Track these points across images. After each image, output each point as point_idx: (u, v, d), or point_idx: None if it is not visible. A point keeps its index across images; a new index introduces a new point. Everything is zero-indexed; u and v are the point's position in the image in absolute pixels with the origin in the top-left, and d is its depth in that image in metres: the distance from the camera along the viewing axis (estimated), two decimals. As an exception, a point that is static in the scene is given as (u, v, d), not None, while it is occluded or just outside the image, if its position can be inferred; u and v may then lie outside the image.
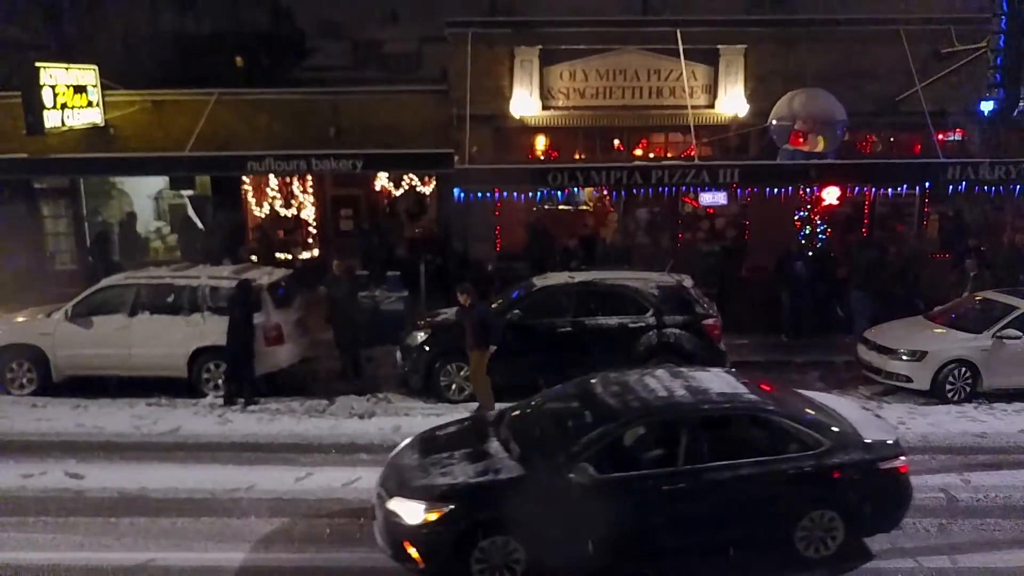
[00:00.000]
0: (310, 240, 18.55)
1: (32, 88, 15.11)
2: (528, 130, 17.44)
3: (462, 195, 15.97)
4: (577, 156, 17.66)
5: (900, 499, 8.00)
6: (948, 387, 12.25)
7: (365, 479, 9.20)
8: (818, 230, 17.58)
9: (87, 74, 16.79)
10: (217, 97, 17.67)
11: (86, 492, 9.30)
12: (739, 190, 16.37)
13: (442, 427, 9.08)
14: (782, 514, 7.73)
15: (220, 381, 12.26)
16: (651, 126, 17.61)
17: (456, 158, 15.73)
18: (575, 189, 16.77)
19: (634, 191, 16.10)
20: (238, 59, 28.42)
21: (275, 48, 32.29)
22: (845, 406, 8.97)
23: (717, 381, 8.41)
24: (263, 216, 18.35)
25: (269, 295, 12.46)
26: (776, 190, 16.09)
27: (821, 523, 7.75)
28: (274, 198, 18.31)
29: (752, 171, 15.67)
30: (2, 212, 17.07)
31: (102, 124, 17.17)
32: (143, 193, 18.38)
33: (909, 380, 12.38)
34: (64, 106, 15.86)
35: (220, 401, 12.08)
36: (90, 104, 16.78)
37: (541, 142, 17.79)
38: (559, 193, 17.16)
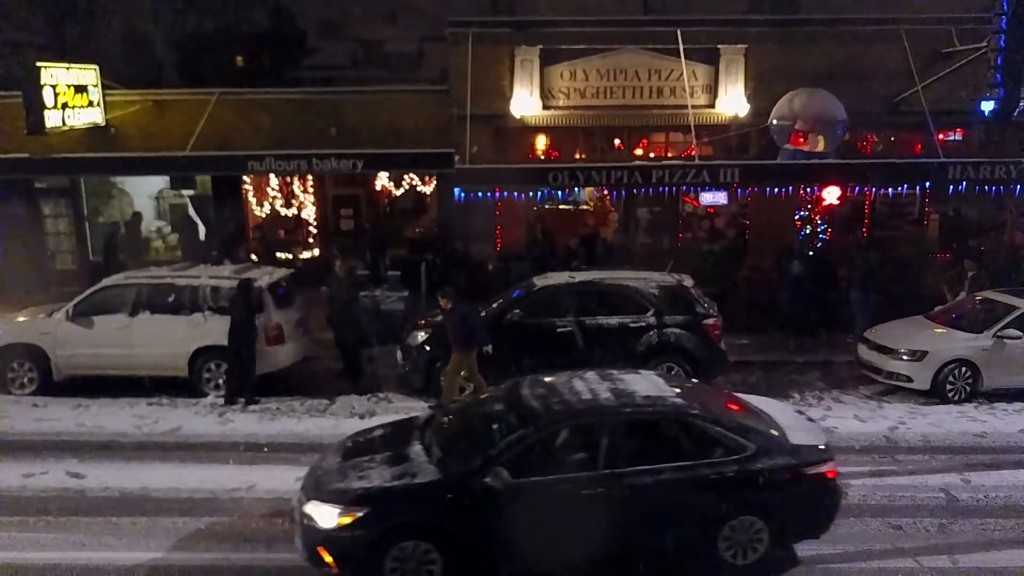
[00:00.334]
0: (311, 240, 18.56)
1: (33, 88, 15.11)
2: (529, 130, 17.45)
3: (462, 195, 15.97)
4: (577, 156, 17.67)
5: (827, 505, 7.81)
6: (948, 387, 12.26)
7: (366, 479, 9.20)
8: (818, 230, 17.58)
9: (88, 74, 16.80)
10: (218, 97, 17.67)
11: (87, 492, 9.31)
12: (739, 190, 16.37)
13: (370, 430, 8.98)
14: (705, 520, 7.55)
15: (221, 381, 12.27)
16: (652, 126, 17.61)
17: (457, 158, 15.73)
18: (576, 189, 16.78)
19: (635, 191, 16.09)
20: (239, 59, 28.47)
21: (276, 48, 32.35)
22: (778, 410, 8.76)
23: (645, 384, 8.24)
24: (264, 216, 18.37)
25: (270, 295, 12.47)
26: (776, 190, 16.08)
27: (746, 529, 7.56)
28: (275, 198, 18.32)
29: (752, 171, 15.67)
30: (3, 212, 17.10)
31: (103, 124, 17.18)
32: (144, 193, 18.38)
33: (909, 380, 12.38)
34: (65, 106, 15.87)
35: (221, 401, 12.10)
36: (91, 104, 16.79)
37: (542, 142, 17.79)
38: (560, 193, 17.16)
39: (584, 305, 12.48)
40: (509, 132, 17.41)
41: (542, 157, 17.64)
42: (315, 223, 18.49)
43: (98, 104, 17.04)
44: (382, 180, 18.27)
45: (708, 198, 17.30)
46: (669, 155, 17.54)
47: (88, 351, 12.37)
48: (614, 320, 12.34)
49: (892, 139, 17.82)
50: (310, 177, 17.89)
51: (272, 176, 17.59)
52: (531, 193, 16.86)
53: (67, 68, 16.19)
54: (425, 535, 7.22)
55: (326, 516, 7.21)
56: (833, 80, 16.43)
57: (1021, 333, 12.17)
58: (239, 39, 30.74)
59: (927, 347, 12.37)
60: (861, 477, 9.74)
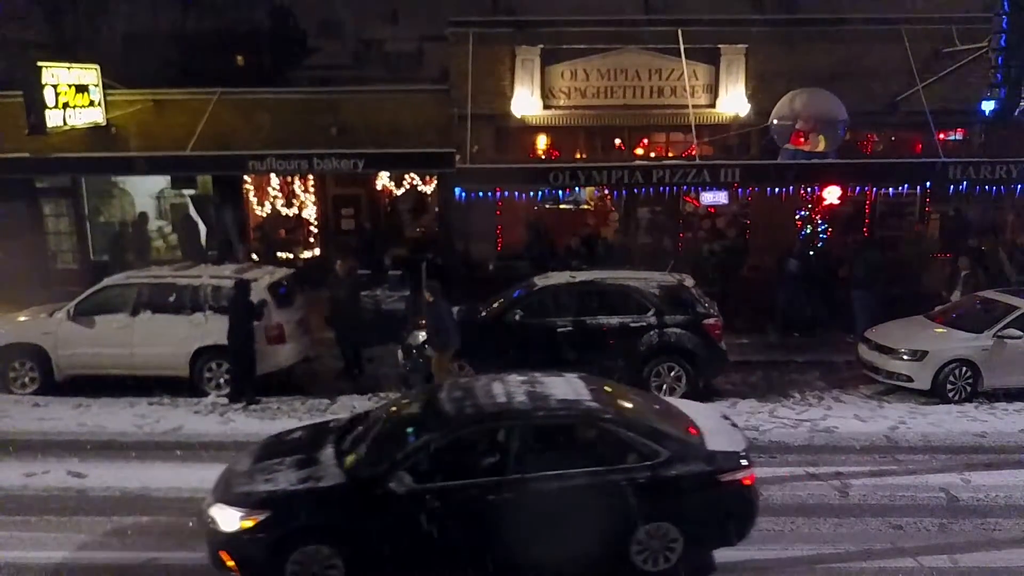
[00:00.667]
0: (311, 239, 18.57)
1: (34, 87, 15.12)
2: (529, 129, 17.45)
3: (463, 194, 15.97)
4: (578, 155, 17.66)
5: (743, 512, 7.67)
6: (949, 387, 12.26)
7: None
8: (819, 230, 17.58)
9: (89, 73, 16.81)
10: (218, 96, 17.67)
11: (88, 491, 9.33)
12: (740, 190, 16.36)
13: (287, 432, 8.93)
14: (616, 527, 7.39)
15: (222, 380, 12.28)
16: (652, 125, 17.59)
17: (457, 157, 15.72)
18: (576, 189, 16.76)
19: (635, 190, 16.08)
20: (239, 58, 28.48)
21: (276, 47, 32.36)
22: (702, 414, 8.57)
23: (564, 387, 8.09)
24: (265, 215, 18.37)
25: (270, 294, 12.48)
26: (777, 189, 16.08)
27: (659, 536, 7.44)
28: (275, 197, 18.31)
29: (753, 171, 15.66)
30: (4, 211, 17.11)
31: (104, 123, 17.19)
32: (144, 192, 18.37)
33: (910, 380, 12.38)
34: (66, 105, 15.87)
35: (223, 400, 12.12)
36: (92, 103, 16.79)
37: (542, 141, 17.78)
38: (560, 192, 17.14)
39: (585, 305, 12.49)
40: (510, 132, 17.41)
41: (543, 157, 17.63)
42: (316, 223, 18.49)
43: (99, 104, 17.05)
44: (383, 180, 18.27)
45: (709, 198, 17.28)
46: (670, 155, 17.52)
47: (89, 351, 12.39)
48: (615, 320, 12.35)
49: (893, 139, 17.81)
50: (311, 177, 17.88)
51: (273, 176, 17.58)
52: (532, 193, 16.85)
53: (68, 68, 16.20)
54: (327, 539, 7.16)
55: (229, 519, 7.17)
56: (834, 80, 16.43)
57: (1021, 333, 12.17)
58: (240, 39, 30.74)
59: (927, 347, 12.37)
60: (861, 477, 9.76)
